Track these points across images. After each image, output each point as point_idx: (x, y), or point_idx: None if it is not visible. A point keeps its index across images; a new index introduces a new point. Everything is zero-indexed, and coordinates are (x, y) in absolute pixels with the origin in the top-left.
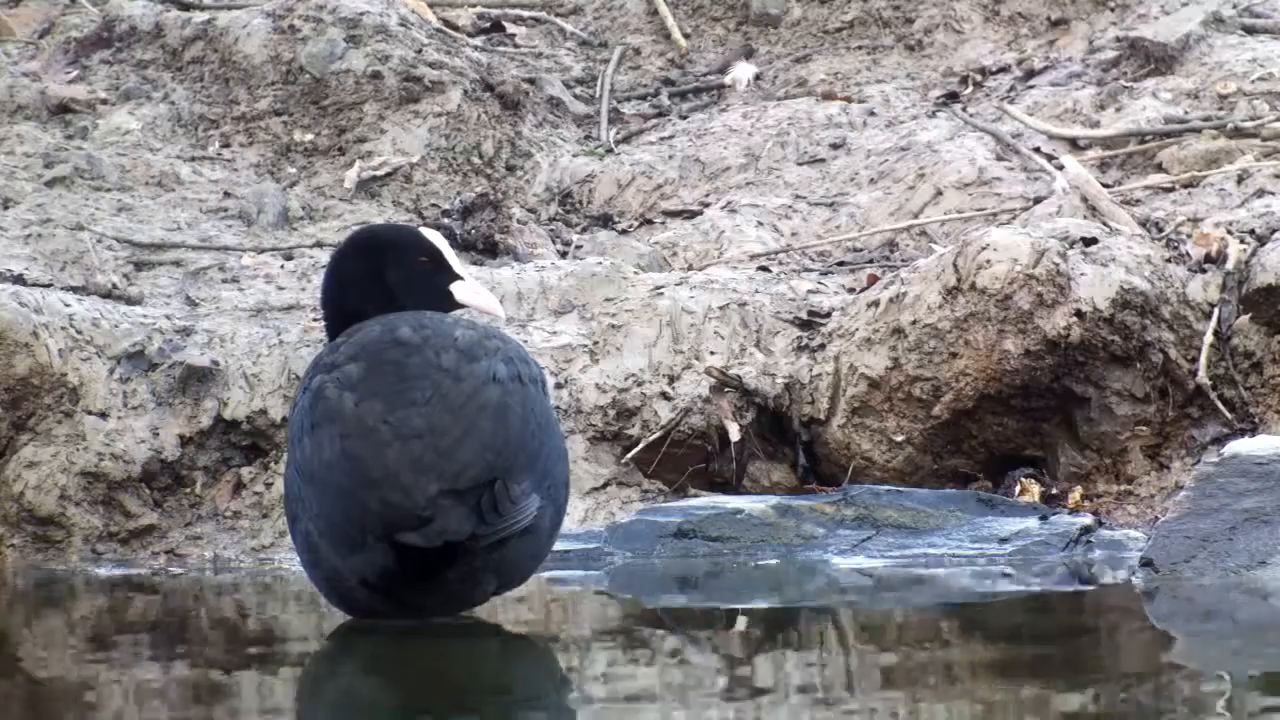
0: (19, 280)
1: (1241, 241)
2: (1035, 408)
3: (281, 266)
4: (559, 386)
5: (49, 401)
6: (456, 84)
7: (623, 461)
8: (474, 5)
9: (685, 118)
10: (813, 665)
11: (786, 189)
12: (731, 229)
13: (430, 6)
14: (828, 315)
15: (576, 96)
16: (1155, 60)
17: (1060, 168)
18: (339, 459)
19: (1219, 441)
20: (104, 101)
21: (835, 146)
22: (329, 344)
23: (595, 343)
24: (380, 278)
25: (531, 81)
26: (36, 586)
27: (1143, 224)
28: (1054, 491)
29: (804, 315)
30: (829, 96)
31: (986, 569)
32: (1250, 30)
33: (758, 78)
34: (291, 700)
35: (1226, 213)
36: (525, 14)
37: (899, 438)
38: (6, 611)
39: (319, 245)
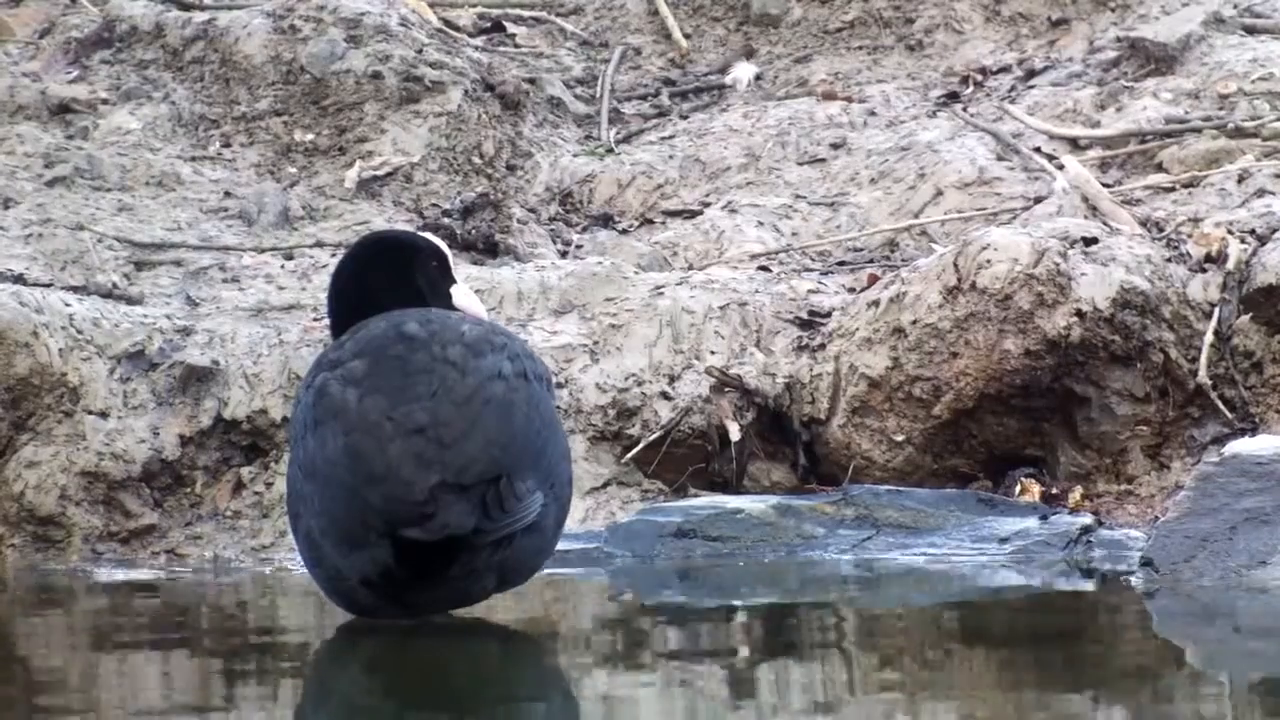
0: (19, 280)
1: (1242, 241)
2: (1035, 407)
3: (282, 266)
4: (559, 386)
5: (49, 401)
6: (457, 84)
7: (623, 461)
8: (474, 5)
9: (686, 118)
10: (812, 664)
11: (787, 189)
12: (732, 229)
13: (431, 6)
14: (828, 315)
15: (577, 96)
16: (1156, 60)
17: (1060, 168)
18: (341, 455)
19: (1219, 441)
20: (104, 101)
21: (835, 146)
22: (333, 342)
23: (595, 342)
24: (410, 279)
25: (532, 81)
26: (37, 587)
27: (1143, 224)
28: (1054, 491)
29: (804, 315)
30: (829, 96)
31: (986, 569)
32: (1250, 30)
33: (758, 78)
34: (292, 700)
35: (1227, 213)
36: (525, 14)
37: (899, 437)
38: (7, 612)
39: (319, 245)
